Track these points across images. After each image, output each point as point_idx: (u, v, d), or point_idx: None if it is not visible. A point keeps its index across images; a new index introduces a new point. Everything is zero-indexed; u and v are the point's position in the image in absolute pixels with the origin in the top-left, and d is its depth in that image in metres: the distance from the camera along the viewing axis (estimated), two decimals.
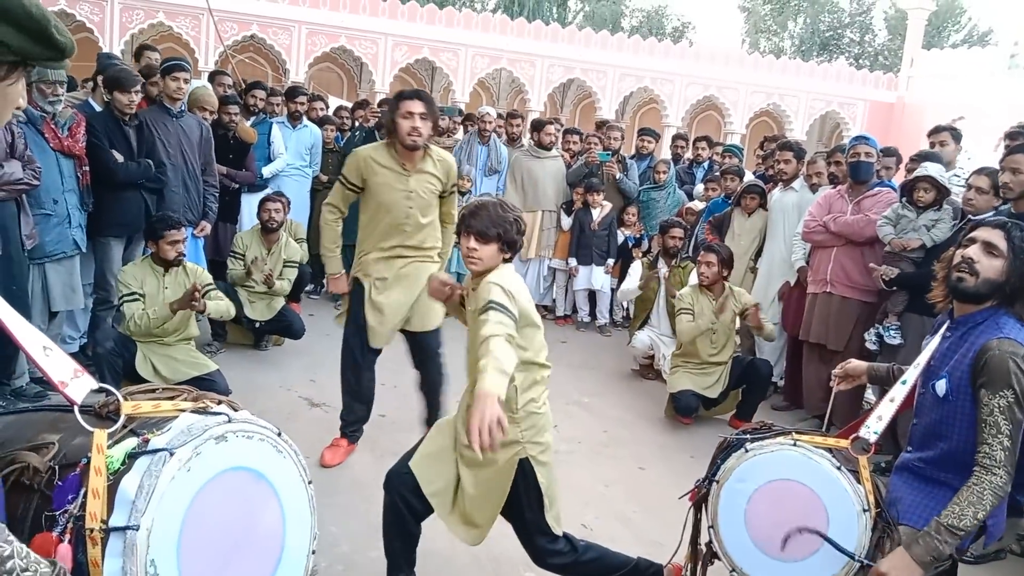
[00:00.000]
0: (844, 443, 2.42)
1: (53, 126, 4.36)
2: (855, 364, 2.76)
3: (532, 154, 7.52)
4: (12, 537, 1.00)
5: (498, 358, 2.17)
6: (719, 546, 2.48)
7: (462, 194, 7.13)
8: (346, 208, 4.02)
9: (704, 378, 5.18)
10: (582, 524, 3.72)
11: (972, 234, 2.34)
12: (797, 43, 33.33)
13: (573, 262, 7.39)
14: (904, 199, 4.72)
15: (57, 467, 1.45)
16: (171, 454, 1.40)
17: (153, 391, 1.70)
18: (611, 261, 7.36)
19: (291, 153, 7.10)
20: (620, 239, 7.46)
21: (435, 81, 22.15)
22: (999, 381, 2.14)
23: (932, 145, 5.78)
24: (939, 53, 22.29)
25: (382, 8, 17.77)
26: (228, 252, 5.92)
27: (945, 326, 2.44)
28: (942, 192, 4.52)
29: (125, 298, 4.39)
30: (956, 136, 5.78)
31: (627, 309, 7.59)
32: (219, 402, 1.67)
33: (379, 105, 8.68)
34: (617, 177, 7.39)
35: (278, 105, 7.22)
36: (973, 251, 2.29)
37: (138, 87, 4.89)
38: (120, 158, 4.77)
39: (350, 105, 9.00)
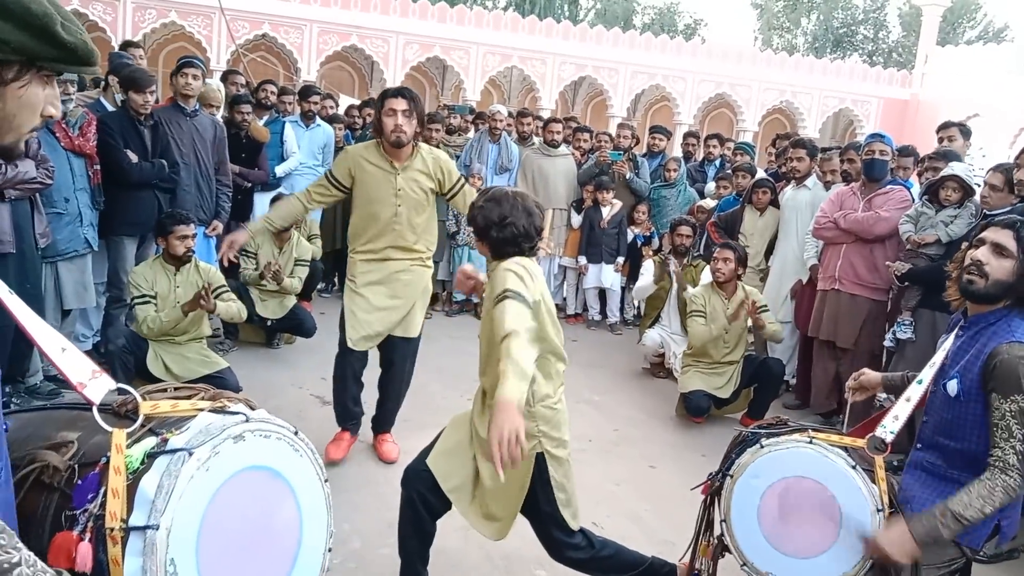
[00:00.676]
0: (860, 442, 2.41)
1: (64, 125, 4.39)
2: (869, 376, 2.74)
3: (543, 152, 7.52)
4: (20, 544, 0.99)
5: (517, 361, 2.10)
6: (731, 540, 2.48)
7: None
8: (320, 203, 3.96)
9: (716, 378, 5.17)
10: (593, 522, 3.72)
11: (982, 235, 2.33)
12: (810, 40, 33.17)
13: (583, 260, 7.39)
14: (927, 197, 4.71)
15: (76, 466, 1.46)
16: (190, 454, 1.41)
17: (170, 389, 1.71)
18: (621, 259, 7.36)
19: (304, 152, 7.12)
20: (629, 237, 7.45)
21: (446, 79, 22.16)
22: (1010, 385, 2.13)
23: (940, 141, 5.76)
24: (954, 50, 22.10)
25: (393, 7, 17.79)
26: (240, 251, 5.94)
27: (959, 325, 2.42)
28: (968, 192, 4.51)
29: (136, 300, 4.40)
30: (965, 132, 5.76)
31: (638, 307, 7.58)
32: (236, 401, 1.68)
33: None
34: (628, 177, 7.38)
35: (290, 104, 7.25)
36: (982, 253, 2.28)
37: (153, 87, 4.92)
38: (134, 158, 4.80)
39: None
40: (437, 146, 7.15)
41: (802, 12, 33.71)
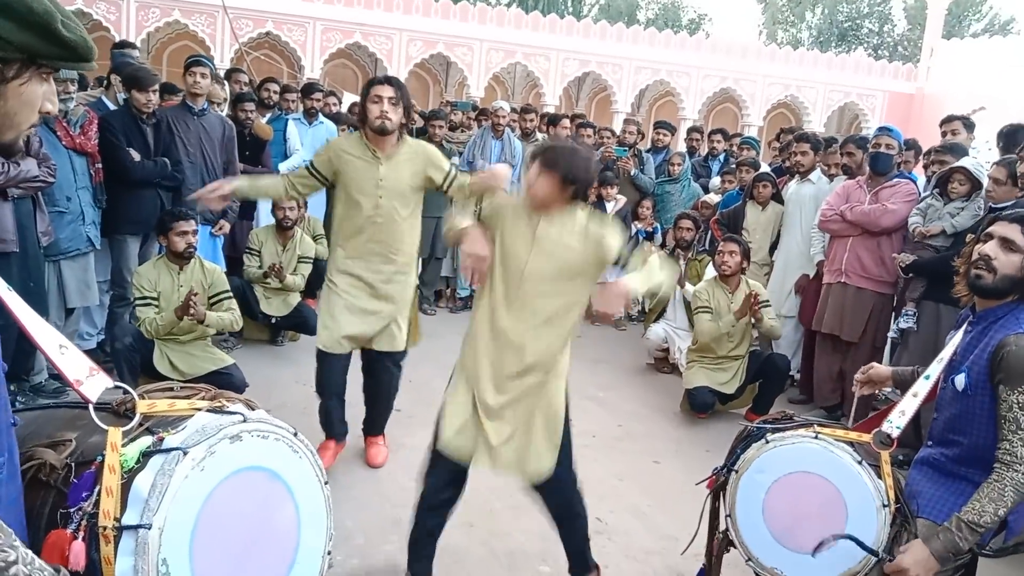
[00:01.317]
0: (866, 437, 2.40)
1: (65, 124, 4.39)
2: (879, 370, 2.72)
3: None
4: (17, 542, 0.99)
5: (652, 275, 2.77)
6: (736, 535, 2.48)
7: None
8: (301, 192, 3.86)
9: (721, 373, 5.15)
10: (596, 518, 3.71)
11: (989, 229, 2.31)
12: (815, 34, 33.04)
13: None
14: (936, 190, 4.70)
15: (73, 464, 1.46)
16: (184, 453, 1.40)
17: (170, 389, 1.70)
18: None
19: (307, 149, 7.11)
20: (632, 232, 7.43)
21: (450, 76, 22.14)
22: (1017, 377, 2.12)
23: (944, 134, 5.74)
24: (959, 43, 21.99)
25: (396, 3, 17.77)
26: (244, 248, 5.95)
27: (967, 321, 2.41)
28: (975, 185, 4.49)
29: (138, 302, 4.39)
30: (968, 125, 5.73)
31: (642, 303, 7.56)
32: (236, 401, 1.67)
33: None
34: (632, 172, 7.36)
35: (293, 101, 7.25)
36: (990, 247, 2.27)
37: (156, 86, 4.92)
38: (137, 156, 4.80)
39: None
40: (440, 143, 7.15)
41: (807, 6, 33.56)
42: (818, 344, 5.34)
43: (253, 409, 1.64)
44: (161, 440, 1.44)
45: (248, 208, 6.42)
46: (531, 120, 7.78)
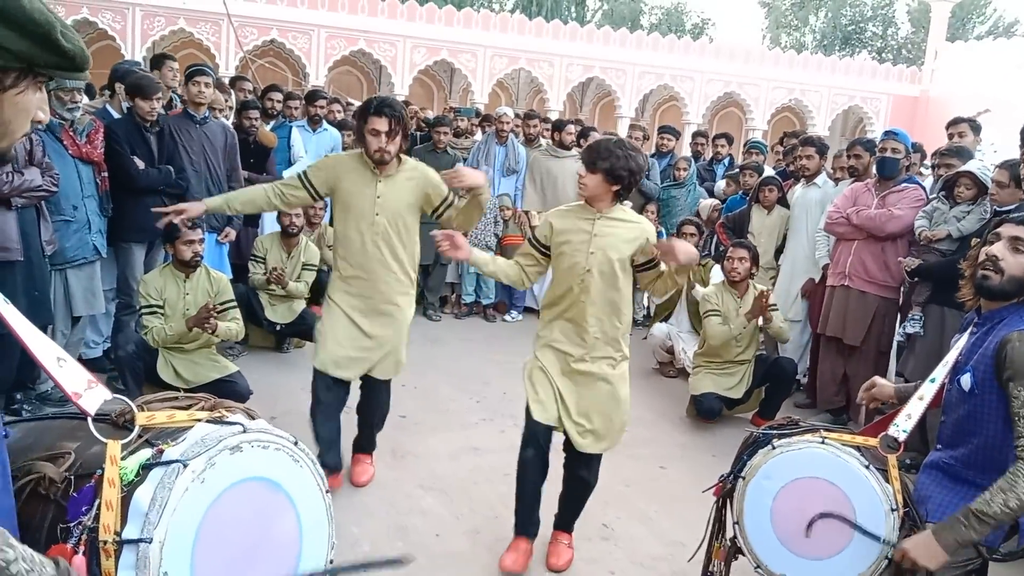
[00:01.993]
0: (872, 441, 2.39)
1: (71, 133, 4.40)
2: (882, 388, 2.70)
3: (551, 154, 7.51)
4: (13, 541, 0.99)
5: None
6: (744, 542, 2.46)
7: None
8: (286, 204, 3.77)
9: (728, 378, 5.13)
10: (603, 524, 3.71)
11: (997, 230, 2.30)
12: (819, 38, 33.03)
13: None
14: (943, 193, 4.68)
15: (73, 477, 1.44)
16: (184, 465, 1.39)
17: (170, 399, 1.69)
18: None
19: (311, 156, 7.12)
20: None
21: (454, 82, 22.18)
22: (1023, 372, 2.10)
23: (951, 137, 5.72)
24: (963, 45, 21.94)
25: (400, 11, 17.82)
26: (249, 256, 5.95)
27: (973, 323, 2.40)
28: (982, 189, 4.47)
29: (144, 311, 4.38)
30: (975, 128, 5.72)
31: (648, 308, 7.56)
32: (236, 411, 1.66)
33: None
34: None
35: (296, 109, 7.26)
36: (998, 248, 2.26)
37: (159, 94, 4.94)
38: (141, 164, 4.81)
39: None
40: (444, 150, 7.16)
41: (810, 10, 33.56)
42: (822, 347, 5.33)
43: (253, 418, 1.62)
44: (161, 452, 1.43)
45: (253, 215, 6.43)
46: (535, 126, 7.79)
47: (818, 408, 5.36)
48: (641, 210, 7.42)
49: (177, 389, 4.26)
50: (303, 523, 1.58)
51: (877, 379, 2.74)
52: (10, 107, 1.13)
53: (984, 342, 2.27)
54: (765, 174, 6.63)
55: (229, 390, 4.27)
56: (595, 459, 3.27)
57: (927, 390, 2.37)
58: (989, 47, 20.97)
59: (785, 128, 16.72)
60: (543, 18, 20.90)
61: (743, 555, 2.50)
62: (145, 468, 1.41)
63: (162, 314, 4.39)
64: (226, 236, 5.61)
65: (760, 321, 5.05)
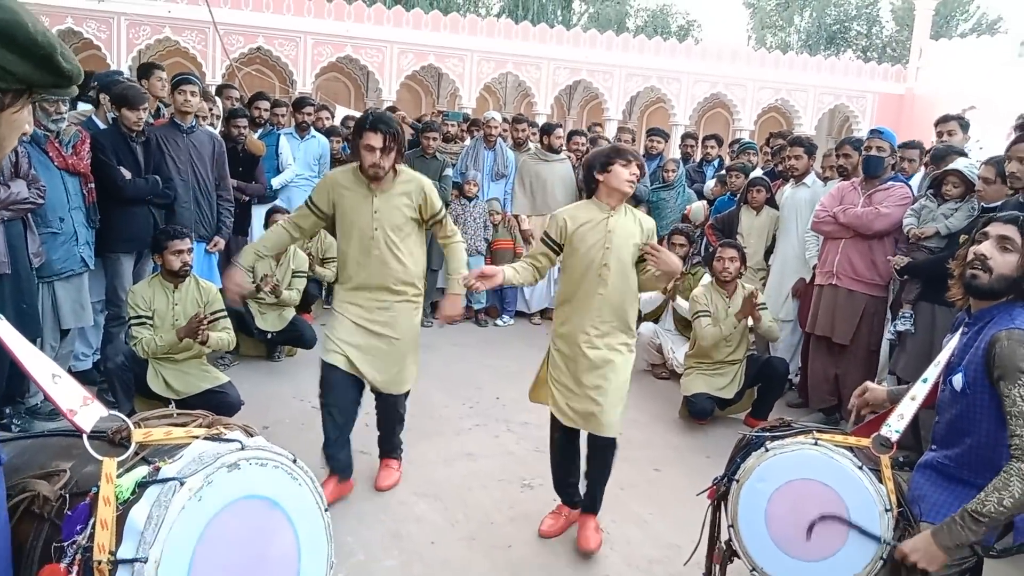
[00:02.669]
0: (865, 442, 2.39)
1: (57, 144, 4.37)
2: (874, 393, 2.71)
3: (540, 157, 7.51)
4: None
5: None
6: (739, 545, 2.46)
7: (468, 199, 7.14)
8: (305, 233, 3.84)
9: (719, 379, 5.14)
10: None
11: (985, 229, 2.31)
12: (804, 38, 33.19)
13: None
14: (931, 191, 4.70)
15: (68, 495, 1.42)
16: (181, 483, 1.38)
17: (166, 416, 1.68)
18: None
19: (300, 163, 7.12)
20: None
21: (442, 87, 22.19)
22: (1013, 370, 2.11)
23: (940, 135, 5.74)
24: (947, 43, 22.10)
25: (387, 16, 17.82)
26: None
27: (963, 323, 2.41)
28: (969, 187, 4.49)
29: (133, 321, 4.36)
30: (964, 125, 5.74)
31: (639, 312, 7.56)
32: (234, 427, 1.64)
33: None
34: None
35: (284, 116, 7.25)
36: (986, 247, 2.27)
37: (146, 104, 4.91)
38: (128, 174, 4.78)
39: (357, 115, 9.03)
40: (434, 155, 7.15)
41: (795, 10, 33.72)
42: (812, 346, 5.33)
43: (252, 435, 1.61)
44: (157, 470, 1.41)
45: (243, 223, 6.41)
46: (523, 130, 7.78)
47: (811, 408, 5.37)
48: None
49: (167, 400, 4.24)
50: (301, 542, 1.56)
51: (868, 384, 2.74)
52: (6, 125, 1.15)
53: (975, 342, 2.28)
54: (753, 175, 6.65)
55: (220, 401, 4.25)
56: (610, 444, 3.44)
57: (919, 390, 2.38)
58: (973, 44, 21.14)
59: (772, 128, 16.81)
60: (529, 22, 20.95)
61: (739, 558, 2.50)
62: (141, 486, 1.40)
63: (151, 325, 4.36)
64: (215, 245, 5.59)
65: (750, 321, 5.06)
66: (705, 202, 7.35)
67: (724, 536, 2.63)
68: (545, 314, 7.74)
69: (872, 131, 5.19)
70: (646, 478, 4.34)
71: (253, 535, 1.49)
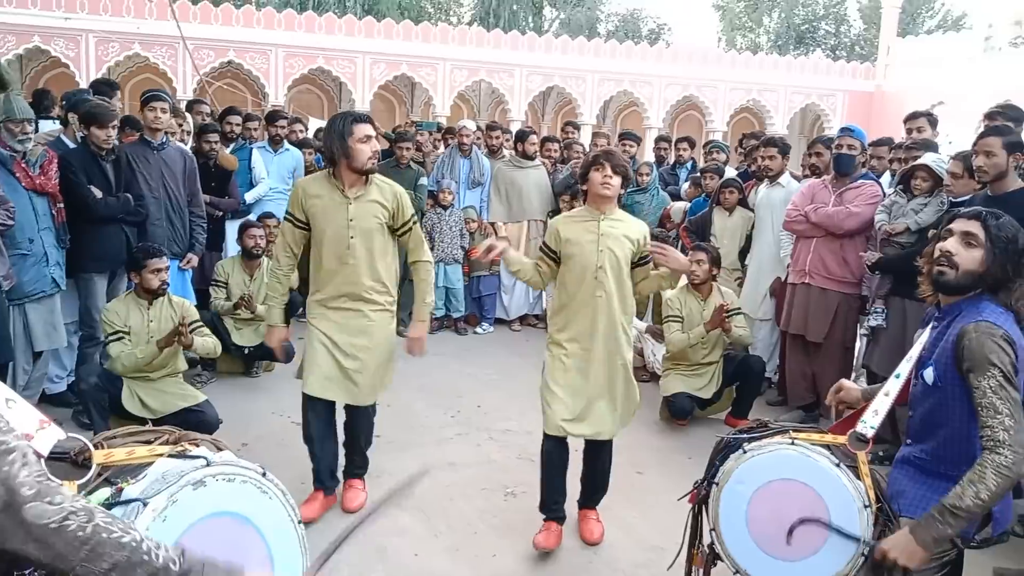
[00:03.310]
0: (842, 439, 2.41)
1: (24, 165, 4.32)
2: (849, 392, 2.71)
3: (514, 164, 7.51)
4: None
5: None
6: (722, 548, 2.47)
7: (444, 208, 7.12)
8: (298, 248, 3.73)
9: (697, 379, 5.16)
10: None
11: (950, 226, 2.34)
12: (773, 38, 33.49)
13: None
14: (900, 187, 4.75)
15: None
16: (144, 504, 1.36)
17: (133, 434, 1.65)
18: None
19: (273, 177, 7.07)
20: None
21: (415, 97, 22.18)
22: (982, 363, 2.13)
23: (909, 131, 5.79)
24: (915, 40, 22.43)
25: (358, 27, 17.80)
26: (211, 281, 5.87)
27: (934, 317, 2.43)
28: (938, 181, 4.54)
29: (110, 337, 4.31)
30: (932, 122, 5.80)
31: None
32: (201, 443, 1.62)
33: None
34: None
35: (256, 130, 7.20)
36: (951, 244, 2.29)
37: (115, 122, 4.86)
38: (99, 193, 4.73)
39: None
40: (408, 165, 7.13)
41: (764, 11, 34.05)
42: (788, 345, 5.36)
43: (220, 450, 1.59)
44: (120, 491, 1.40)
45: (216, 239, 6.35)
46: (497, 137, 7.79)
47: (790, 405, 5.39)
48: None
49: (144, 421, 4.19)
50: (275, 557, 1.55)
51: (844, 382, 2.76)
52: None
53: (944, 335, 2.30)
54: (726, 176, 6.68)
55: (198, 420, 4.19)
56: (606, 444, 3.61)
57: (892, 386, 2.40)
58: (939, 41, 21.45)
59: (744, 129, 16.90)
60: (501, 29, 20.99)
61: (722, 561, 2.51)
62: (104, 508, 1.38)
63: (128, 340, 4.32)
64: (188, 262, 5.53)
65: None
66: (685, 203, 7.38)
67: (707, 539, 2.63)
68: (524, 320, 7.73)
69: (842, 129, 5.23)
70: (628, 481, 4.34)
71: (225, 551, 1.47)
